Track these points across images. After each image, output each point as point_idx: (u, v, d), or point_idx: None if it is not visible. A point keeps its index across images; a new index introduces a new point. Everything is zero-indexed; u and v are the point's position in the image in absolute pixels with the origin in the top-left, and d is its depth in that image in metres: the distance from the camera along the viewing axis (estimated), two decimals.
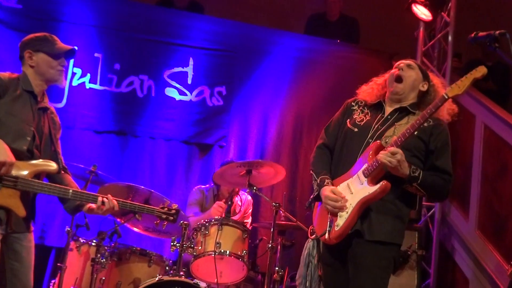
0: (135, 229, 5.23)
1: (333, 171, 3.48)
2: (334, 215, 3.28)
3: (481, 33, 3.18)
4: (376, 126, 3.41)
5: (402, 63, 3.55)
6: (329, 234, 3.26)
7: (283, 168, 5.15)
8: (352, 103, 3.64)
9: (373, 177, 3.20)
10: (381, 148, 3.22)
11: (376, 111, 3.52)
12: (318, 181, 3.43)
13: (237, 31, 6.96)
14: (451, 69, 6.69)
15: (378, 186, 3.14)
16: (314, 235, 3.43)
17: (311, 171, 3.54)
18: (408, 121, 3.36)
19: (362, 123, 3.47)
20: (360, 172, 3.25)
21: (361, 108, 3.58)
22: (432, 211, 6.56)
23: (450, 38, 6.76)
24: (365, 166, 3.23)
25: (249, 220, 5.86)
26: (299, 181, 6.78)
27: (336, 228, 3.23)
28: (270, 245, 4.91)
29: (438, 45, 7.04)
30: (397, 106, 3.48)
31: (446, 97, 3.12)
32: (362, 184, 3.21)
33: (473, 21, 7.64)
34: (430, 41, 7.03)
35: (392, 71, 3.55)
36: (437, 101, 3.16)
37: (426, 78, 3.54)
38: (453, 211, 6.47)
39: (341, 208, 3.25)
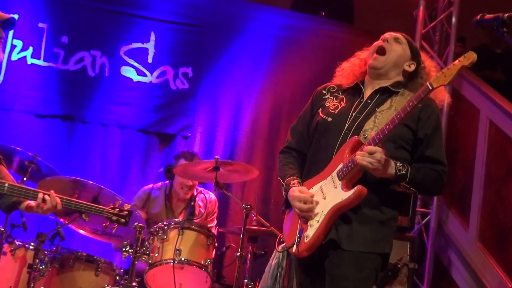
0: (81, 232, 5.21)
1: (308, 171, 3.47)
2: (305, 222, 3.29)
3: (487, 16, 3.20)
4: (354, 114, 3.39)
5: (389, 34, 3.52)
6: (297, 246, 3.27)
7: (255, 168, 5.20)
8: (323, 91, 3.60)
9: (348, 179, 3.20)
10: (359, 144, 3.21)
11: (354, 95, 3.50)
12: (285, 185, 3.44)
13: (208, 2, 6.96)
14: (454, 55, 6.75)
15: (352, 191, 3.14)
16: (282, 246, 3.44)
17: (278, 178, 3.54)
18: (391, 105, 3.35)
19: (337, 110, 3.44)
20: (334, 173, 3.25)
21: (334, 94, 3.55)
22: (427, 218, 6.64)
23: (453, 19, 6.83)
24: (340, 166, 3.23)
25: (214, 224, 5.87)
26: (275, 179, 6.78)
27: (306, 240, 3.24)
28: (238, 254, 4.94)
29: (440, 27, 7.10)
30: (377, 86, 3.46)
31: (431, 87, 3.08)
32: (335, 187, 3.22)
33: (480, 1, 7.74)
34: (431, 22, 7.09)
35: (376, 42, 3.53)
36: (420, 92, 3.12)
37: (415, 57, 3.51)
38: (451, 219, 6.55)
39: (310, 211, 3.26)
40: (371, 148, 3.12)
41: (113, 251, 6.17)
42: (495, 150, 6.17)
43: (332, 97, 3.53)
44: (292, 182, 3.41)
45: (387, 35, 3.51)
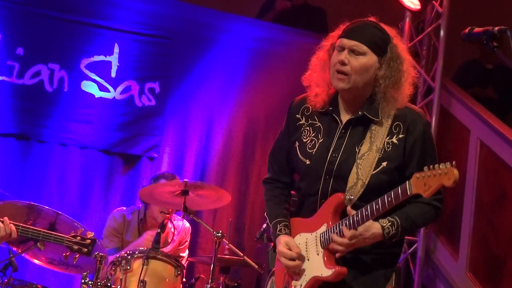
0: (36, 261, 5.15)
1: (298, 209, 3.52)
2: (290, 276, 3.39)
3: (477, 29, 3.24)
4: (330, 154, 3.35)
5: (344, 45, 3.29)
6: None
7: (228, 193, 5.22)
8: (297, 115, 3.52)
9: (330, 249, 3.27)
10: (342, 205, 3.26)
11: (329, 123, 3.43)
12: (272, 228, 3.51)
13: (177, 12, 6.97)
14: (443, 71, 6.82)
15: (331, 272, 3.22)
16: (272, 278, 3.58)
17: (265, 215, 3.63)
18: (371, 142, 3.29)
19: (314, 150, 3.40)
20: (318, 234, 3.31)
21: (309, 121, 3.48)
22: (414, 247, 6.67)
23: (442, 33, 6.91)
24: (323, 229, 3.29)
25: (185, 254, 5.85)
26: (249, 205, 6.81)
27: None
28: (209, 286, 4.93)
29: (428, 41, 7.18)
30: (351, 112, 3.38)
31: (409, 193, 3.04)
32: (318, 254, 3.30)
33: (470, 13, 7.84)
34: (418, 35, 7.17)
35: (334, 59, 3.33)
36: (399, 193, 3.07)
37: (382, 53, 3.33)
38: (440, 247, 6.60)
39: (296, 268, 3.34)
40: (349, 235, 3.15)
41: (71, 283, 6.13)
42: (486, 173, 6.23)
43: (308, 127, 3.46)
44: (278, 228, 3.46)
45: (344, 50, 3.29)
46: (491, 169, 6.21)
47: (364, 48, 3.29)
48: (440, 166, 2.95)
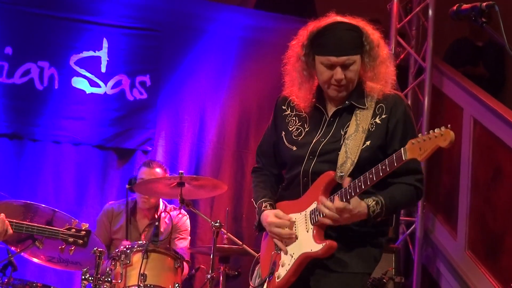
0: (35, 260, 5.15)
1: (280, 196, 3.57)
2: (277, 252, 3.41)
3: (465, 6, 3.25)
4: (317, 139, 3.40)
5: (335, 63, 3.30)
6: (269, 283, 3.41)
7: (224, 183, 5.23)
8: (283, 106, 3.57)
9: (320, 225, 3.29)
10: (334, 182, 3.28)
11: (315, 112, 3.47)
12: (257, 208, 3.53)
13: (165, 4, 6.95)
14: (432, 50, 6.82)
15: (321, 246, 3.24)
16: (257, 266, 3.58)
17: (252, 200, 3.64)
18: (357, 124, 3.34)
19: (300, 137, 3.46)
20: (308, 213, 3.33)
21: (295, 111, 3.53)
22: (412, 227, 6.68)
23: (430, 12, 6.89)
24: (313, 205, 3.31)
25: (185, 244, 5.85)
26: (246, 193, 6.80)
27: (277, 280, 3.37)
28: (209, 276, 4.95)
29: (417, 21, 7.17)
30: (339, 104, 3.43)
31: (404, 158, 3.07)
32: (307, 231, 3.32)
33: None
34: (407, 16, 7.16)
35: (325, 76, 3.34)
36: (394, 160, 3.10)
37: (362, 47, 3.36)
38: (438, 227, 6.62)
39: (290, 235, 3.36)
40: (340, 206, 3.18)
41: (72, 280, 6.13)
42: (481, 151, 6.25)
43: (294, 117, 3.52)
44: (264, 205, 3.49)
45: (336, 67, 3.29)
46: (485, 146, 6.22)
47: (353, 58, 3.32)
48: (435, 130, 2.99)
